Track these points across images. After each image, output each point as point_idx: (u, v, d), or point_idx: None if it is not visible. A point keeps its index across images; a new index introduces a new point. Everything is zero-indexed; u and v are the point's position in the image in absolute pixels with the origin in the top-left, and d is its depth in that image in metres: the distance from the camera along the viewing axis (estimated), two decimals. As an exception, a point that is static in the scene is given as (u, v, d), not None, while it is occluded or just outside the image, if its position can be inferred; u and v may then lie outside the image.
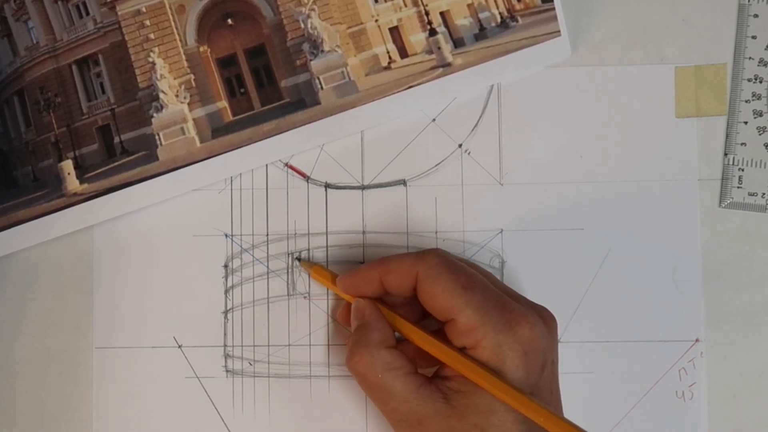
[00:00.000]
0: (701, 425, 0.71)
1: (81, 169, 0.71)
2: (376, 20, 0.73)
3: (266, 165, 0.72)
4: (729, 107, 0.72)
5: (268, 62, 0.72)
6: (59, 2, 0.72)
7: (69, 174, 0.71)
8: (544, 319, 0.62)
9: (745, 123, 0.72)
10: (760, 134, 0.72)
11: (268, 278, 0.71)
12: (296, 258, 0.72)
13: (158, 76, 0.72)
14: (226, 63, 0.72)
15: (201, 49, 0.72)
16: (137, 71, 0.72)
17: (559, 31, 0.72)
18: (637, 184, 0.72)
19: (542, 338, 0.60)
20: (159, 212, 0.71)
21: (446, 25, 0.73)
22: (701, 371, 0.71)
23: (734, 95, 0.72)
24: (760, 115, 0.72)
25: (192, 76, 0.72)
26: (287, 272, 0.71)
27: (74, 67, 0.72)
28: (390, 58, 0.73)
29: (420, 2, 0.73)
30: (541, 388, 0.60)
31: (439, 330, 0.66)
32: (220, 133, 0.71)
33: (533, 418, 0.57)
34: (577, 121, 0.72)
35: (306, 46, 0.72)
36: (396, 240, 0.71)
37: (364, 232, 0.72)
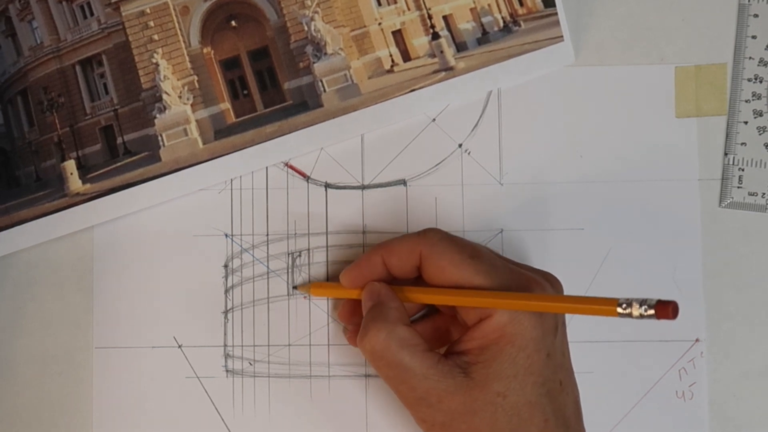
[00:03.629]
0: (701, 425, 0.70)
1: (84, 170, 0.72)
2: (379, 23, 0.73)
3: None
4: (729, 107, 0.72)
5: (271, 64, 0.72)
6: (64, 2, 0.72)
7: (71, 174, 0.72)
8: (551, 282, 0.63)
9: (745, 123, 0.72)
10: (760, 134, 0.72)
11: (268, 278, 0.71)
12: (293, 287, 0.72)
13: (161, 77, 0.72)
14: (230, 65, 0.73)
15: (204, 50, 0.73)
16: (141, 72, 0.72)
17: (561, 36, 0.72)
18: (637, 184, 0.72)
19: None
20: (159, 212, 0.72)
21: (449, 29, 0.73)
22: (701, 371, 0.71)
23: (734, 95, 0.72)
24: (760, 115, 0.72)
25: (195, 78, 0.72)
26: (287, 272, 0.71)
27: (78, 68, 0.73)
28: (393, 61, 0.73)
29: (423, 6, 0.73)
30: (555, 348, 0.61)
31: (441, 313, 0.68)
32: (223, 135, 0.72)
33: (572, 311, 0.57)
34: (577, 121, 0.72)
35: (309, 49, 0.72)
36: (396, 240, 0.71)
37: (364, 232, 0.72)
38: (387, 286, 0.65)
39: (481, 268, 0.61)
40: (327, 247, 0.72)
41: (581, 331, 0.68)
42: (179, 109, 0.72)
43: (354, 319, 0.69)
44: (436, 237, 0.63)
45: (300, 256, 0.71)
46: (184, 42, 0.73)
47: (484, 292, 0.59)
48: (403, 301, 0.64)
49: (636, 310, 0.52)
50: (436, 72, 0.72)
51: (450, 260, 0.61)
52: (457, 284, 0.61)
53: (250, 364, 0.71)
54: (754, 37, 0.72)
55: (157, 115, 0.72)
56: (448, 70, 0.72)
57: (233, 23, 0.73)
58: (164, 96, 0.72)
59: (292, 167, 0.72)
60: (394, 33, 0.73)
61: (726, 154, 0.72)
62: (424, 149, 0.72)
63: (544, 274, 0.64)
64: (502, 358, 0.59)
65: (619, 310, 0.53)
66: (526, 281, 0.61)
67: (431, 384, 0.60)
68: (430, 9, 0.73)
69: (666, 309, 0.51)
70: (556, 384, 0.61)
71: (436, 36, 0.73)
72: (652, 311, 0.52)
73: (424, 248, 0.62)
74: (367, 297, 0.65)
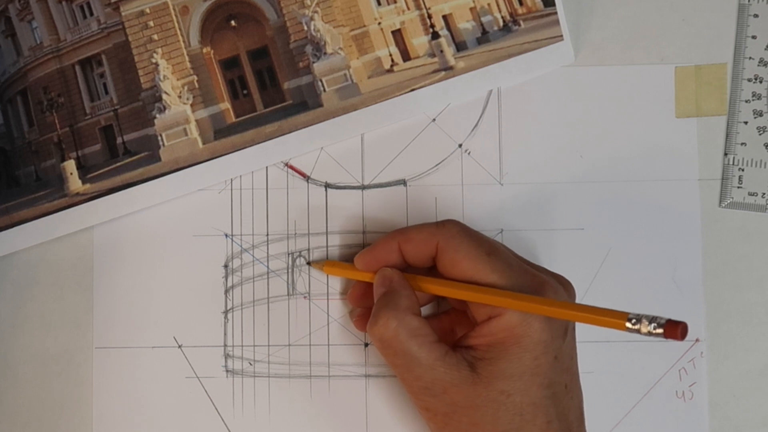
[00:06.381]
0: (701, 425, 0.71)
1: (83, 170, 0.72)
2: (379, 23, 0.73)
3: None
4: (729, 107, 0.72)
5: (271, 64, 0.72)
6: (63, 2, 0.72)
7: (71, 174, 0.72)
8: (564, 285, 0.63)
9: (745, 123, 0.72)
10: (760, 134, 0.72)
11: (268, 278, 0.71)
12: (306, 263, 0.72)
13: (161, 77, 0.72)
14: (229, 64, 0.73)
15: (204, 50, 0.73)
16: (140, 72, 0.72)
17: (561, 36, 0.72)
18: (637, 184, 0.72)
19: None
20: (159, 212, 0.72)
21: (449, 29, 0.73)
22: (701, 371, 0.71)
23: (734, 95, 0.72)
24: (760, 115, 0.72)
25: (195, 78, 0.72)
26: (287, 272, 0.71)
27: (77, 68, 0.73)
28: (392, 60, 0.73)
29: (422, 5, 0.73)
30: (564, 352, 0.61)
31: (450, 310, 0.69)
32: (223, 135, 0.72)
33: (581, 320, 0.57)
34: (577, 121, 0.72)
35: (309, 49, 0.72)
36: (396, 240, 0.71)
37: (364, 232, 0.72)
38: (400, 273, 0.65)
39: (497, 266, 0.61)
40: (327, 247, 0.72)
41: (582, 331, 0.67)
42: (179, 109, 0.72)
43: (363, 302, 0.69)
44: (454, 229, 0.63)
45: (300, 256, 0.72)
46: (184, 42, 0.72)
47: (497, 290, 0.60)
48: (414, 290, 0.64)
49: (645, 327, 0.53)
50: (435, 71, 0.72)
51: (466, 255, 0.61)
52: (471, 279, 0.61)
53: (250, 364, 0.71)
54: (754, 37, 0.72)
55: (157, 115, 0.72)
56: (447, 70, 0.72)
57: (233, 23, 0.73)
58: (164, 96, 0.72)
59: (292, 167, 0.72)
60: (393, 32, 0.73)
61: (726, 154, 0.72)
62: (424, 149, 0.72)
63: (558, 278, 0.64)
64: (508, 357, 0.59)
65: (628, 325, 0.53)
66: (540, 283, 0.61)
67: (437, 375, 0.60)
68: (429, 8, 0.73)
69: (675, 329, 0.52)
70: (562, 387, 0.61)
71: (435, 35, 0.73)
72: (660, 330, 0.52)
73: (442, 240, 0.63)
74: (379, 283, 0.65)
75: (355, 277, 0.68)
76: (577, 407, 0.63)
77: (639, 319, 0.53)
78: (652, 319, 0.52)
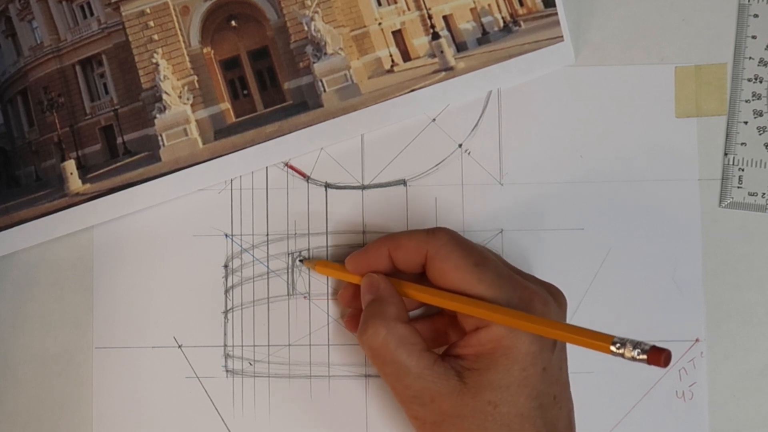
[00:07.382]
0: (701, 425, 0.71)
1: (84, 170, 0.72)
2: (380, 23, 0.73)
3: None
4: (729, 107, 0.72)
5: (271, 64, 0.72)
6: (64, 2, 0.72)
7: (71, 174, 0.72)
8: (554, 295, 0.63)
9: (745, 123, 0.72)
10: (760, 134, 0.72)
11: (268, 278, 0.71)
12: (299, 260, 0.72)
13: (162, 77, 0.72)
14: (230, 65, 0.73)
15: (204, 50, 0.73)
16: (141, 72, 0.72)
17: (561, 36, 0.72)
18: (637, 184, 0.72)
19: (554, 314, 0.61)
20: (159, 212, 0.72)
21: (449, 29, 0.73)
22: (701, 371, 0.71)
23: (734, 95, 0.72)
24: (760, 115, 0.72)
25: (195, 78, 0.72)
26: (287, 272, 0.71)
27: (78, 68, 0.73)
28: (393, 61, 0.73)
29: (423, 6, 0.73)
30: (553, 363, 0.61)
31: (443, 312, 0.68)
32: (223, 135, 0.72)
33: (566, 339, 0.56)
34: (577, 121, 0.72)
35: (309, 49, 0.72)
36: (396, 241, 0.71)
37: (364, 232, 0.72)
38: (387, 279, 0.65)
39: (485, 277, 0.60)
40: (327, 247, 0.72)
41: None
42: (179, 109, 0.72)
43: (354, 303, 0.69)
44: (444, 238, 0.62)
45: (299, 256, 0.72)
46: (184, 42, 0.73)
47: (483, 303, 0.59)
48: (401, 296, 0.64)
49: (629, 352, 0.52)
50: (436, 72, 0.72)
51: (455, 265, 0.61)
52: (459, 289, 0.61)
53: (250, 364, 0.71)
54: (754, 37, 0.72)
55: (157, 115, 0.72)
56: (448, 70, 0.72)
57: (233, 23, 0.73)
58: (164, 96, 0.72)
59: (292, 167, 0.72)
60: (394, 33, 0.73)
61: (726, 154, 0.72)
62: (424, 149, 0.72)
63: (548, 288, 0.64)
64: (496, 368, 0.59)
65: (613, 348, 0.53)
66: (529, 295, 0.60)
67: (425, 384, 0.60)
68: (430, 9, 0.73)
69: (658, 356, 0.52)
70: (550, 398, 0.61)
71: (436, 36, 0.73)
72: (644, 356, 0.52)
73: (431, 248, 0.62)
74: (366, 289, 0.65)
75: (345, 279, 0.68)
76: (566, 417, 0.62)
77: (624, 343, 0.53)
78: (636, 345, 0.52)
